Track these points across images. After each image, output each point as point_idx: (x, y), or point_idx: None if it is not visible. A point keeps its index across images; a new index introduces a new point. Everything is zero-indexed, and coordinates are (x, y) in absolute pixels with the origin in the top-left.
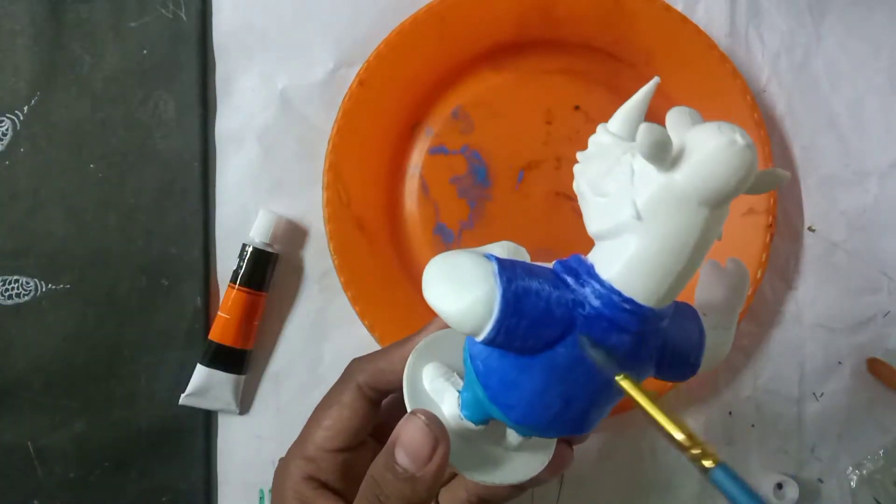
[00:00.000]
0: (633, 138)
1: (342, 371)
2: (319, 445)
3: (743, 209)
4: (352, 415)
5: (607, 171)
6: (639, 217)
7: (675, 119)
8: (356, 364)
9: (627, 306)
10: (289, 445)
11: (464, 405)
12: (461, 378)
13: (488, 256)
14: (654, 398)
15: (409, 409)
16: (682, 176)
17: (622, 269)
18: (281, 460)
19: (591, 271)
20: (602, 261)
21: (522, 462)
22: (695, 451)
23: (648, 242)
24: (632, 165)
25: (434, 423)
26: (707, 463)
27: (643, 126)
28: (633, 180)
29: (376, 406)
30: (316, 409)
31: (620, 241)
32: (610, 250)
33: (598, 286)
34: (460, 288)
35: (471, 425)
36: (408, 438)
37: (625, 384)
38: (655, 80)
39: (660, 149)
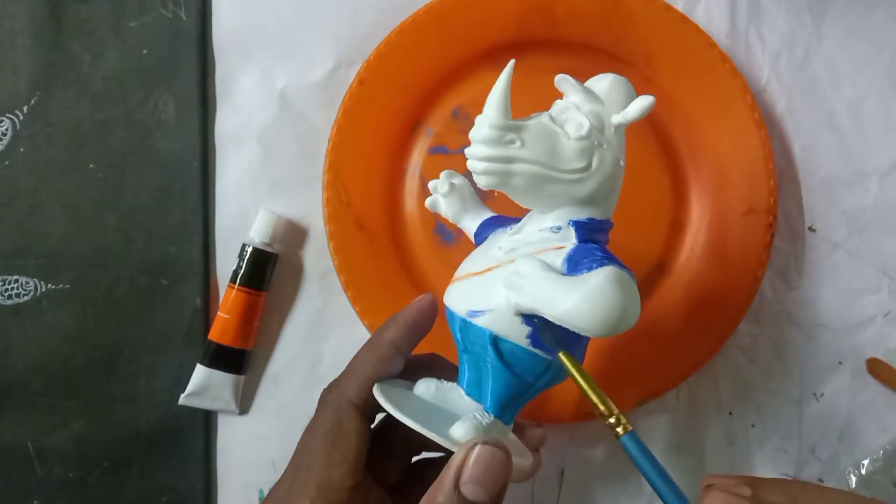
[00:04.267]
0: (510, 118)
1: (320, 400)
2: (337, 486)
3: (743, 209)
4: (359, 441)
5: (563, 146)
6: (622, 162)
7: (578, 87)
8: (339, 388)
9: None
10: (288, 445)
11: (469, 387)
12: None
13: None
14: (587, 375)
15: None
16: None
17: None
18: None
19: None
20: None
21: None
22: (611, 420)
23: (619, 176)
24: (609, 126)
25: (507, 449)
26: (620, 430)
27: (641, 99)
28: (615, 139)
29: (371, 423)
30: (305, 451)
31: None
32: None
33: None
34: (635, 305)
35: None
36: (480, 471)
37: (564, 358)
38: (511, 62)
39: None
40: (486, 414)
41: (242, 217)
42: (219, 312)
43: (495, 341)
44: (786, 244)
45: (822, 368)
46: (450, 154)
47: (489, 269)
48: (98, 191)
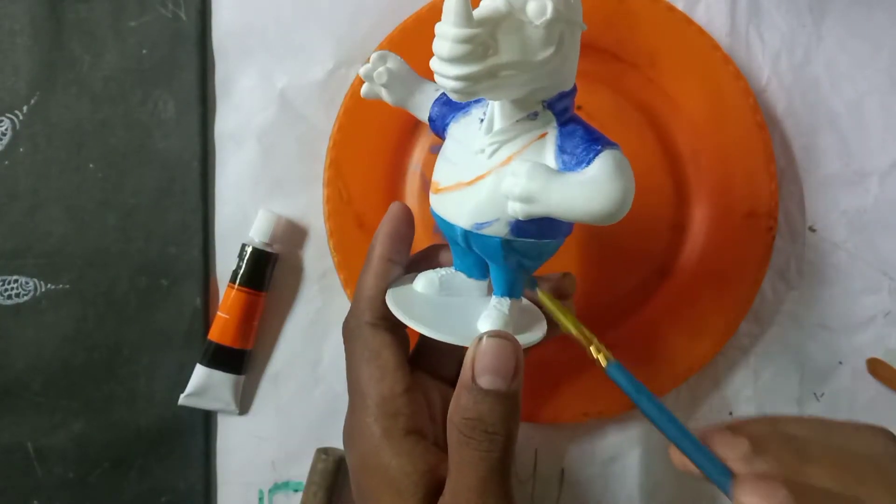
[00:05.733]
0: (474, 23)
1: (341, 372)
2: (389, 396)
3: (744, 211)
4: (391, 351)
5: (531, 36)
6: (583, 27)
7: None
8: (354, 317)
9: None
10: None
11: (466, 270)
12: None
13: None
14: (562, 305)
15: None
16: None
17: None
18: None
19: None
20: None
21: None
22: (591, 349)
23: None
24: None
25: (510, 336)
26: (601, 359)
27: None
28: (572, 6)
29: (399, 330)
30: (352, 381)
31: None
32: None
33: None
34: (633, 183)
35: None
36: (490, 361)
37: (541, 296)
38: None
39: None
40: (501, 300)
41: (242, 217)
42: (218, 312)
43: (507, 244)
44: (786, 244)
45: (822, 368)
46: None
47: (481, 178)
48: (98, 191)
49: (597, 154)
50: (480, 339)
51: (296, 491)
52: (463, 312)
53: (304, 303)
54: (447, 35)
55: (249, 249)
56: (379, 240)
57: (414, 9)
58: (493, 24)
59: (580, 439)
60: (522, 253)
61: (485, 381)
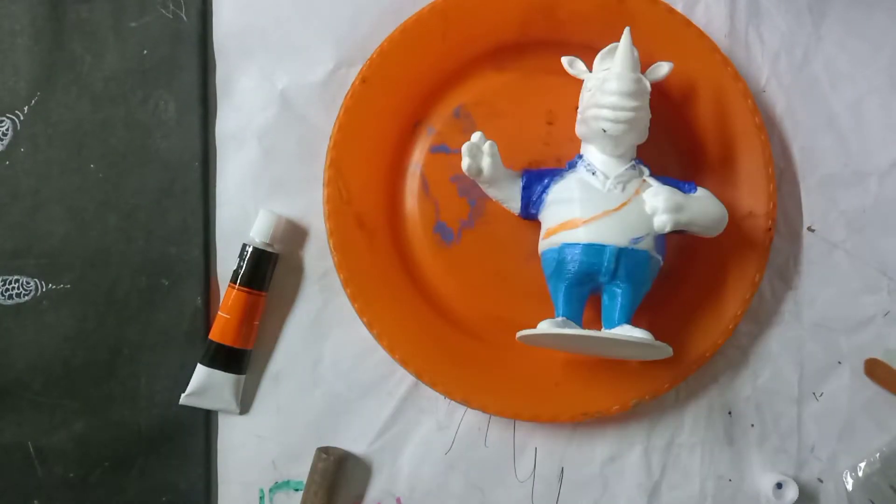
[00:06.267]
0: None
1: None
2: None
3: (743, 212)
4: None
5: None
6: None
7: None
8: None
9: None
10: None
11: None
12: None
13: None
14: None
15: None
16: None
17: None
18: None
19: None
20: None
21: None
22: None
23: None
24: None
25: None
26: None
27: (663, 65)
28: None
29: None
30: None
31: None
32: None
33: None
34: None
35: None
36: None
37: None
38: (628, 28)
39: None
40: (632, 327)
41: (243, 217)
42: (219, 312)
43: (649, 258)
44: (785, 244)
45: (822, 368)
46: (451, 153)
47: (625, 205)
48: (99, 191)
49: (693, 187)
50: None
51: (296, 490)
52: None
53: (305, 303)
54: (626, 75)
55: (250, 249)
56: None
57: (413, 9)
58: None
59: (580, 439)
60: (651, 271)
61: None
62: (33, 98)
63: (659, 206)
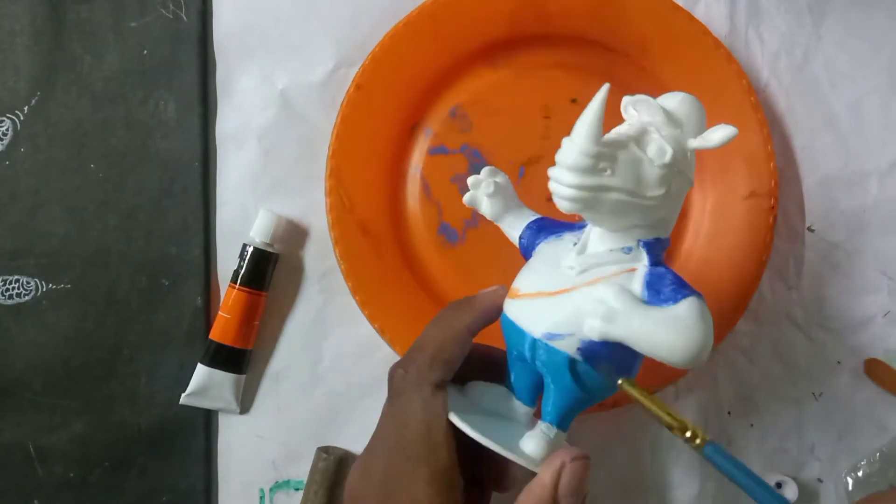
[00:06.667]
0: (601, 144)
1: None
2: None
3: (745, 193)
4: (450, 449)
5: (647, 173)
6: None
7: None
8: (417, 371)
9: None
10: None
11: (519, 392)
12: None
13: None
14: (650, 394)
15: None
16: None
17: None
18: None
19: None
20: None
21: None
22: (687, 435)
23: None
24: (686, 150)
25: (588, 455)
26: (698, 442)
27: (723, 128)
28: (690, 162)
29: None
30: (397, 452)
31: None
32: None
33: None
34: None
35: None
36: (577, 482)
37: (626, 387)
38: (605, 87)
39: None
40: (550, 426)
41: (243, 217)
42: (219, 312)
43: (573, 364)
44: (785, 244)
45: (821, 368)
46: (450, 154)
47: (564, 291)
48: (99, 191)
49: (684, 297)
50: (564, 462)
51: (296, 490)
52: (511, 427)
53: (305, 303)
54: (574, 147)
55: (250, 249)
56: (472, 309)
57: (413, 8)
58: (617, 148)
59: (580, 439)
60: (582, 380)
61: (568, 502)
62: (33, 98)
63: (594, 308)
